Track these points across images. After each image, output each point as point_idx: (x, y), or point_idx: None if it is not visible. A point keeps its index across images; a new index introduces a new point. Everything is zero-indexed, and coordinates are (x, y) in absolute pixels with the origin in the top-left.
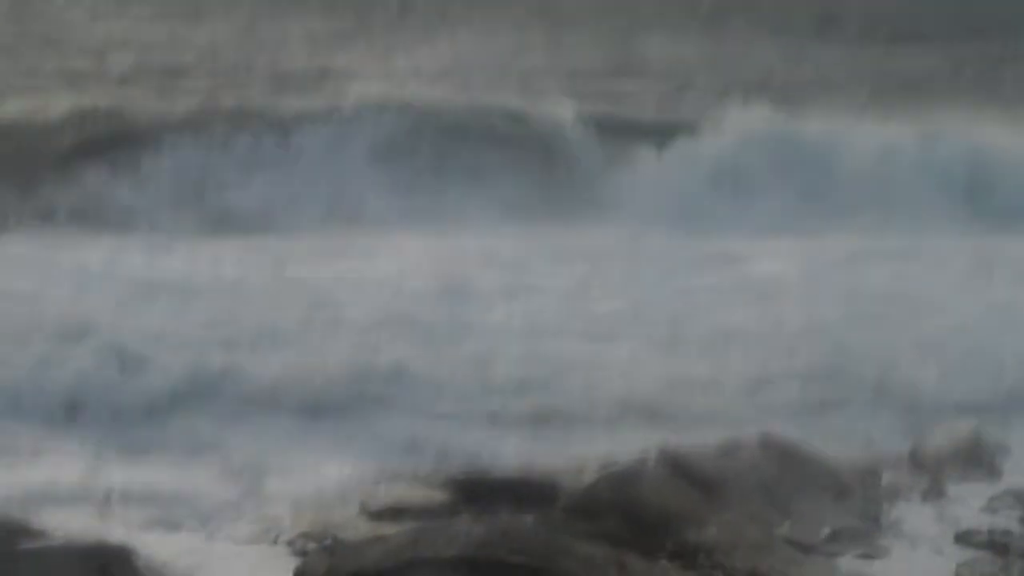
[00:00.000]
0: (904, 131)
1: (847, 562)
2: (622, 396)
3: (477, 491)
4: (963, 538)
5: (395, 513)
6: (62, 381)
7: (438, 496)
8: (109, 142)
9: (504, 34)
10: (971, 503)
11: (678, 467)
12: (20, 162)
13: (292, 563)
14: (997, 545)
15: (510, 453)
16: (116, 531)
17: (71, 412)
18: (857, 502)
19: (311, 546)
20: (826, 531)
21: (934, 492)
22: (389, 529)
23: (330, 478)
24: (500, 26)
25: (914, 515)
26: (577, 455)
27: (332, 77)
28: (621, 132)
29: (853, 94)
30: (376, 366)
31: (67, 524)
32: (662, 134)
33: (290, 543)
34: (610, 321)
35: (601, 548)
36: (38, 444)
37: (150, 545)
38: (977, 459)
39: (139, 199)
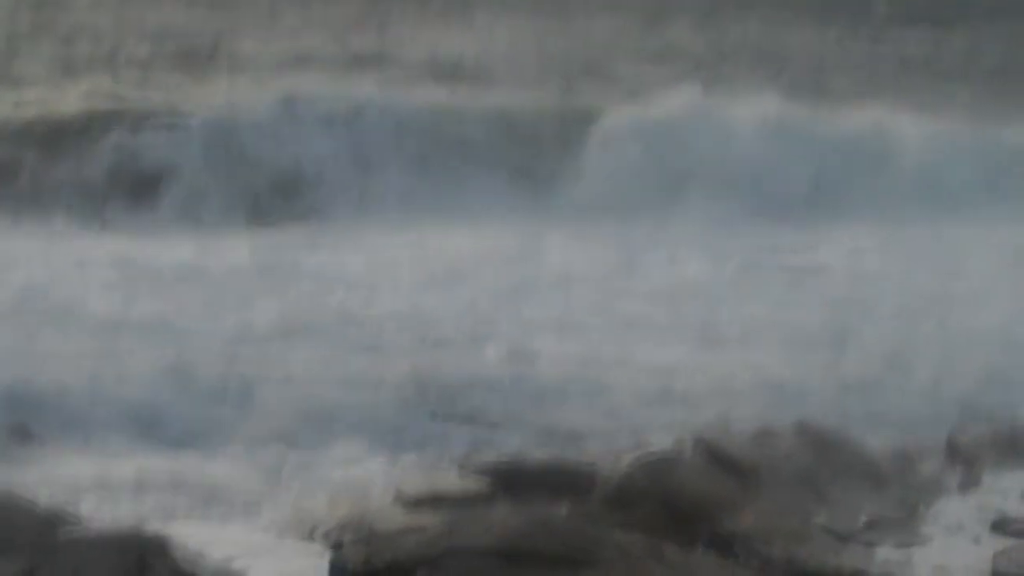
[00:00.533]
0: (945, 120)
1: (884, 551)
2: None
3: (513, 480)
4: (1000, 526)
5: (431, 503)
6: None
7: (474, 485)
8: (129, 129)
9: (524, 19)
10: (1008, 492)
11: (714, 455)
12: (42, 151)
13: (328, 554)
14: None
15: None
16: (153, 521)
17: (112, 403)
18: (894, 491)
19: (347, 536)
20: (863, 520)
21: (971, 481)
22: (425, 519)
23: (366, 468)
24: (520, 11)
25: (951, 504)
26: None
27: (349, 64)
28: (637, 120)
29: (882, 79)
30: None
31: (105, 513)
32: (678, 122)
33: (326, 534)
34: (644, 317)
35: (637, 537)
36: (82, 436)
37: (187, 535)
38: (1014, 448)
39: (159, 189)
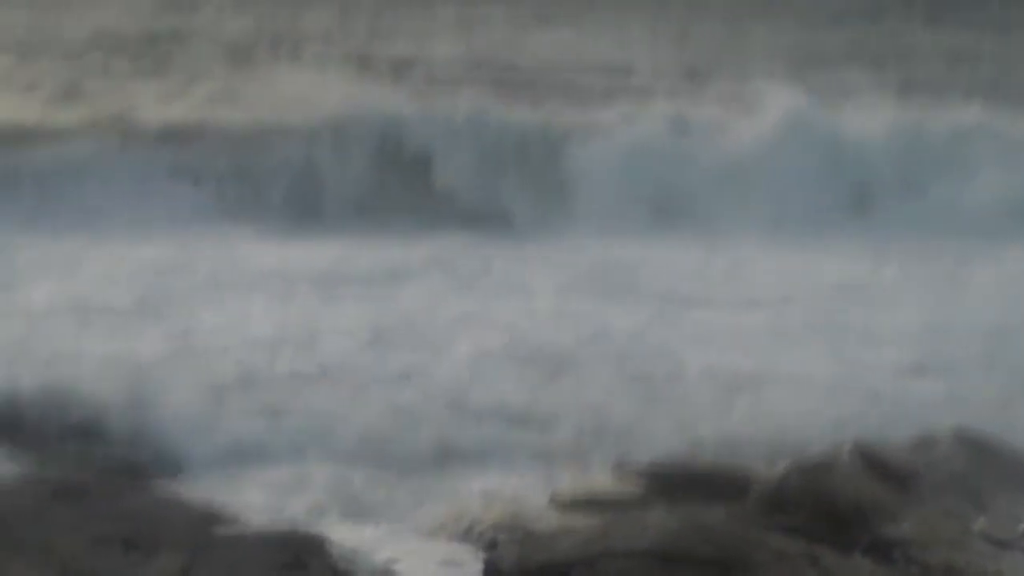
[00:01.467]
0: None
1: None
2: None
3: (668, 483)
4: None
5: (586, 505)
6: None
7: (629, 488)
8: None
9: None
10: None
11: (871, 460)
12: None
13: (483, 555)
14: None
15: None
16: (311, 521)
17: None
18: None
19: (502, 537)
20: (1022, 527)
21: None
22: (579, 521)
23: (520, 470)
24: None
25: None
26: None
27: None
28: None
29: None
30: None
31: (262, 512)
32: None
33: (481, 534)
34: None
35: (794, 542)
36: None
37: (343, 536)
38: None
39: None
